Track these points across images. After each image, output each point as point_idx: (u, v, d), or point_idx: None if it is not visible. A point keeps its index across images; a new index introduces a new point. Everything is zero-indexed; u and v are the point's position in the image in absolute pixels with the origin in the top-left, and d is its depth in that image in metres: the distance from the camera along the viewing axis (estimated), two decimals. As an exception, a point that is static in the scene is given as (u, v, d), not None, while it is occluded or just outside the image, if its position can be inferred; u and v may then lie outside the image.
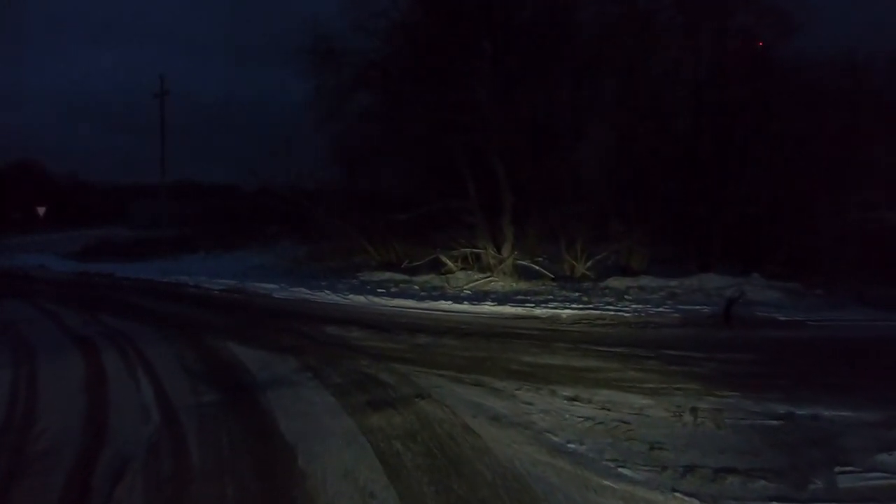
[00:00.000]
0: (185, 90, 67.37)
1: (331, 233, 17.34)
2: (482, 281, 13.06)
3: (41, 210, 26.50)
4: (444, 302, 10.80)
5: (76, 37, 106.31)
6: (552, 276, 13.70)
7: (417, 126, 14.70)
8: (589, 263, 14.20)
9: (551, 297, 11.97)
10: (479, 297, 11.60)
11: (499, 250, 14.51)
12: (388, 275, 14.15)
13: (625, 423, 4.53)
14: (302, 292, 12.35)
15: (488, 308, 10.51)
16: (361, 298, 11.39)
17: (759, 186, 14.29)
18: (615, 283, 13.02)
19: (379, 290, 12.35)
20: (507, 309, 10.42)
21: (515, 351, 7.11)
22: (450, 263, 14.24)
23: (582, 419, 4.62)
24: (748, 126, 14.63)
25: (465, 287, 12.73)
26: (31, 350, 7.44)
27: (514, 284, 13.14)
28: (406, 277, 13.74)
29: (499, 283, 13.12)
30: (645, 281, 13.02)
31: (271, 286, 13.16)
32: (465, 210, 15.27)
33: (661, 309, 10.25)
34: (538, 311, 10.25)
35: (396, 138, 15.63)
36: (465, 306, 10.55)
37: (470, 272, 13.73)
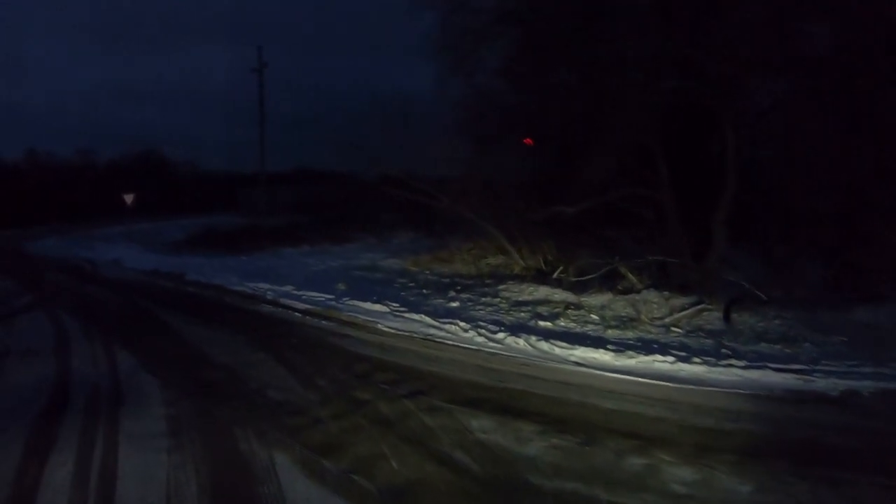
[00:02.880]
0: (306, 79, 66.77)
1: (459, 228, 13.43)
2: (691, 310, 8.52)
3: (129, 198, 24.78)
4: (659, 357, 6.35)
5: (194, 34, 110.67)
6: (765, 297, 9.01)
7: (585, 79, 10.37)
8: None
9: (808, 342, 7.38)
10: (711, 346, 7.06)
11: (698, 260, 10.03)
12: (542, 291, 9.90)
13: None
14: (423, 322, 8.16)
15: (738, 372, 6.05)
16: (520, 343, 7.05)
17: None
18: (865, 315, 8.24)
19: (541, 324, 7.98)
20: (771, 377, 5.94)
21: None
22: (633, 278, 9.82)
23: None
24: None
25: (668, 320, 8.26)
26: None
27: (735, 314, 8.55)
28: (570, 298, 9.42)
29: (714, 312, 8.57)
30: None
31: (379, 308, 9.06)
32: (651, 202, 10.77)
33: None
34: (821, 383, 5.83)
35: (549, 100, 11.31)
36: (701, 369, 6.09)
37: (666, 293, 9.21)
